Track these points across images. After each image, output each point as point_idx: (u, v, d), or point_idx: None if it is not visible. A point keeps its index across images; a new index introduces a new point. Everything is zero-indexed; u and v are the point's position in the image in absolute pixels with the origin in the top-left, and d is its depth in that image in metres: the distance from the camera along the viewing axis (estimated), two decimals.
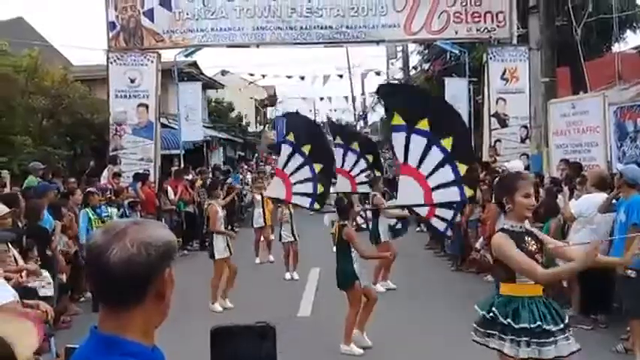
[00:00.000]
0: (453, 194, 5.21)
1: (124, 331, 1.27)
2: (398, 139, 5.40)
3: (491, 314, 3.54)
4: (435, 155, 5.19)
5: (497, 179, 4.14)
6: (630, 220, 5.84)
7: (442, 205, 5.36)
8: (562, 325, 3.45)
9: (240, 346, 1.32)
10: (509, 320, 3.42)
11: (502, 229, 3.63)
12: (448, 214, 5.45)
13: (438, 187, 5.24)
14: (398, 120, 5.37)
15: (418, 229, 14.76)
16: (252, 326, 1.34)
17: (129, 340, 1.27)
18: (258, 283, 9.66)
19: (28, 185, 9.65)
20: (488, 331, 3.53)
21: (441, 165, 5.20)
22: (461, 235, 10.81)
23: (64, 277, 7.61)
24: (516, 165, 8.34)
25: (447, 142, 5.14)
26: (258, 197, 11.86)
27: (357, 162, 10.02)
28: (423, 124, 5.23)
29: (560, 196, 7.88)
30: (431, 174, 5.25)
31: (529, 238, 3.59)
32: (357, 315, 6.26)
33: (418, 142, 5.24)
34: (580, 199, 7.11)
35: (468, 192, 5.21)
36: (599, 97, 10.49)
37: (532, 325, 3.38)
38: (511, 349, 3.40)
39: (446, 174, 5.19)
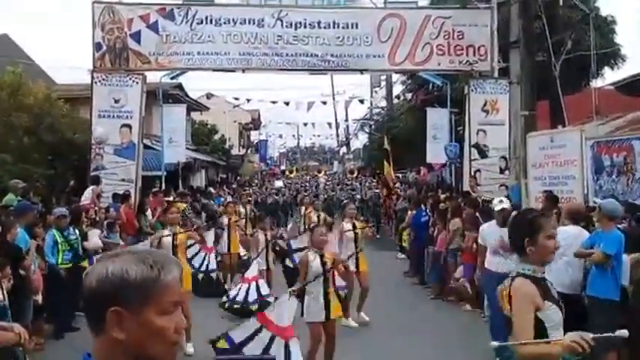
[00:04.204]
0: None
1: (105, 359, 1.31)
2: None
3: None
4: None
5: (514, 218, 3.64)
6: (606, 251, 5.91)
7: None
8: None
9: None
10: None
11: (524, 275, 3.02)
12: None
13: None
14: None
15: (401, 255, 14.82)
16: (255, 359, 1.36)
17: None
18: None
19: (6, 203, 9.52)
20: None
21: None
22: (440, 263, 10.88)
23: (39, 298, 7.48)
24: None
25: None
26: (225, 221, 11.69)
27: None
28: None
29: None
30: None
31: (549, 286, 3.07)
32: (313, 352, 5.91)
33: None
34: (557, 231, 7.19)
35: None
36: (576, 132, 10.73)
37: None
38: None
39: None
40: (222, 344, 4.96)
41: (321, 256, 6.03)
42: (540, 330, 2.94)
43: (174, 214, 7.76)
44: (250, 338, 4.95)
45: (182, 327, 1.36)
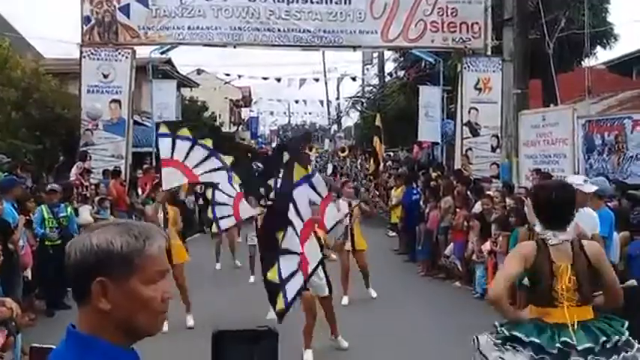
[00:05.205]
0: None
1: (93, 330, 1.30)
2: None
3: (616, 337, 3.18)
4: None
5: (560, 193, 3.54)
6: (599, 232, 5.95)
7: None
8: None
9: (241, 349, 1.32)
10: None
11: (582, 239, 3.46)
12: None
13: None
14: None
15: (391, 233, 14.88)
16: (254, 330, 1.35)
17: (93, 338, 1.30)
18: (227, 286, 9.62)
19: None
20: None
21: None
22: (431, 241, 10.94)
23: (28, 274, 7.44)
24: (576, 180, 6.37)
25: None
26: None
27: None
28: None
29: (525, 206, 8.03)
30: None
31: None
32: (310, 324, 6.13)
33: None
34: None
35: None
36: (568, 110, 10.75)
37: None
38: None
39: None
40: (273, 275, 5.03)
41: (314, 233, 6.13)
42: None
43: (162, 192, 7.80)
44: (292, 275, 5.06)
45: (169, 297, 1.36)
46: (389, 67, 28.02)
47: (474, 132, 13.94)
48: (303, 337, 6.06)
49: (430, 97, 15.77)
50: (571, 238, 3.33)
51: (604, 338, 3.12)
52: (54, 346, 1.39)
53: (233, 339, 1.32)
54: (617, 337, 3.16)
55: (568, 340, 3.12)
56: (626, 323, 3.22)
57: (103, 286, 1.28)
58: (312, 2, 13.74)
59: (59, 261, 6.27)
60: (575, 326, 3.18)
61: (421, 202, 12.05)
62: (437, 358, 6.29)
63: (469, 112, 13.96)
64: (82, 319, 1.32)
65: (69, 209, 8.70)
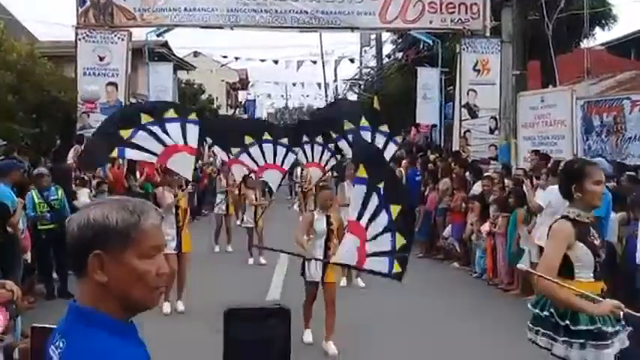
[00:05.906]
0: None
1: (92, 303, 1.35)
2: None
3: (545, 313, 3.20)
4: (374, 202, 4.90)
5: (562, 166, 3.78)
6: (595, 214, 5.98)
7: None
8: (618, 327, 3.14)
9: (253, 327, 1.32)
10: (567, 322, 3.12)
11: (566, 217, 3.23)
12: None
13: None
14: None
15: None
16: (266, 308, 1.36)
17: (93, 311, 1.34)
18: (226, 268, 9.66)
19: None
20: (542, 330, 3.23)
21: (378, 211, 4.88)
22: (429, 222, 10.97)
23: (28, 257, 7.43)
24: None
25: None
26: (223, 183, 11.66)
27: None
28: (362, 172, 5.06)
29: (524, 187, 8.05)
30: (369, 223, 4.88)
31: (594, 231, 3.27)
32: (309, 306, 6.01)
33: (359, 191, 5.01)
34: (549, 190, 7.12)
35: (399, 240, 4.84)
36: (567, 92, 10.71)
37: (590, 327, 3.08)
38: (560, 349, 3.13)
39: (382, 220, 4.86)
40: None
41: (327, 217, 6.00)
42: (568, 268, 3.16)
43: (174, 176, 7.44)
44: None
45: (164, 273, 1.40)
46: (387, 49, 27.89)
47: (473, 114, 13.90)
48: (303, 317, 6.05)
49: (428, 78, 15.71)
50: (568, 214, 3.23)
51: (546, 312, 3.23)
52: (55, 327, 1.41)
53: (245, 317, 1.33)
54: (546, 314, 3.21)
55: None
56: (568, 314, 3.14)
57: (100, 259, 1.33)
58: None
59: (54, 245, 6.18)
60: None
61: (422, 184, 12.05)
62: (436, 337, 6.34)
63: (467, 93, 13.91)
64: (81, 292, 1.37)
65: (59, 192, 8.47)
